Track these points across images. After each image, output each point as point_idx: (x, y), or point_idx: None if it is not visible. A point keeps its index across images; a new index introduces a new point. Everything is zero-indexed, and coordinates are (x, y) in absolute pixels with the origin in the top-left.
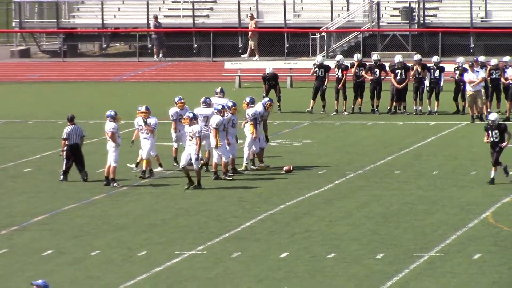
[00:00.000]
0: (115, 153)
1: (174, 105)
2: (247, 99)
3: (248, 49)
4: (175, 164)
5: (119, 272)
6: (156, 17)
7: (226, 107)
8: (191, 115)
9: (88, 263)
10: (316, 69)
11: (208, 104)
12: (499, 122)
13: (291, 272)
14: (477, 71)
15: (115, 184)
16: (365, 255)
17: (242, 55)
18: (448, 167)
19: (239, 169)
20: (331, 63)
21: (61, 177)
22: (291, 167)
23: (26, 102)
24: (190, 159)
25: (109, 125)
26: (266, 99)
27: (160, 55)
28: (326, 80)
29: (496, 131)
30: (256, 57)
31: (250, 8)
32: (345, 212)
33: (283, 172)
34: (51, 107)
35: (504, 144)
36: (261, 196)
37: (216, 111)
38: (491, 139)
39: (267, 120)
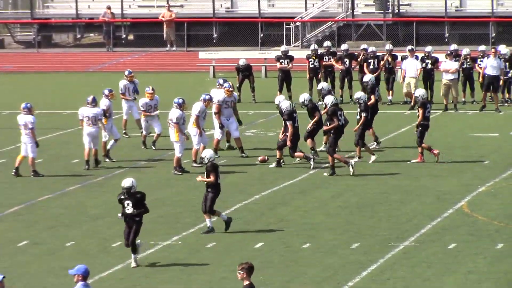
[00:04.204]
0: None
1: (145, 96)
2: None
3: (168, 41)
4: (143, 147)
5: (95, 262)
6: (109, 8)
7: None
8: None
9: (64, 253)
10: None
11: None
12: (136, 191)
13: (266, 262)
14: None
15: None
16: (340, 245)
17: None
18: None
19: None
20: (306, 52)
21: None
22: (266, 157)
23: (0, 93)
24: None
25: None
26: (226, 82)
27: (110, 45)
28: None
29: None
30: (174, 48)
31: None
32: (320, 202)
33: (258, 162)
34: (25, 98)
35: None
36: (236, 186)
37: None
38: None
39: (235, 105)
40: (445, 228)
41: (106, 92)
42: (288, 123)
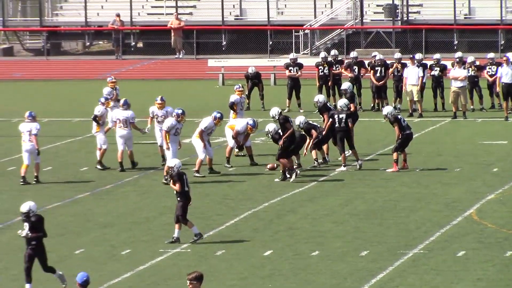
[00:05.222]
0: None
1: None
2: (251, 122)
3: (176, 48)
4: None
5: (103, 270)
6: (118, 15)
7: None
8: None
9: (72, 261)
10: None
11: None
12: (34, 214)
13: (275, 269)
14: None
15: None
16: (349, 252)
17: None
18: (432, 164)
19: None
20: (315, 60)
21: None
22: (275, 165)
23: (9, 100)
24: None
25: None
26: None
27: (119, 53)
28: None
29: None
30: (181, 55)
31: (234, 5)
32: (328, 210)
33: (267, 170)
34: (34, 105)
35: None
36: (245, 193)
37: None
38: None
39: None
40: (454, 236)
41: (102, 100)
42: (279, 142)
